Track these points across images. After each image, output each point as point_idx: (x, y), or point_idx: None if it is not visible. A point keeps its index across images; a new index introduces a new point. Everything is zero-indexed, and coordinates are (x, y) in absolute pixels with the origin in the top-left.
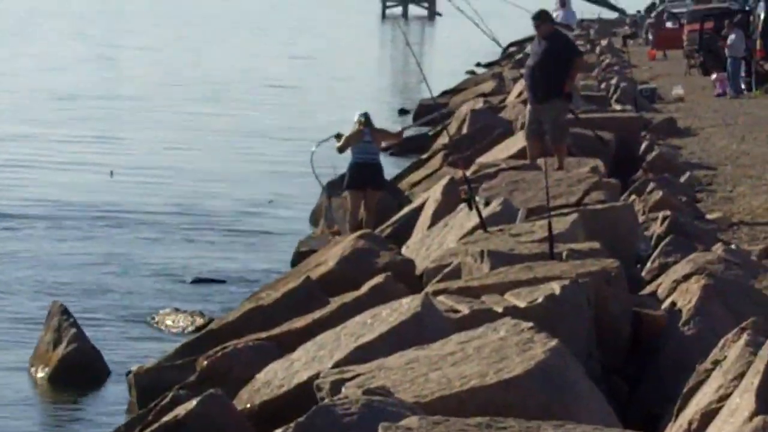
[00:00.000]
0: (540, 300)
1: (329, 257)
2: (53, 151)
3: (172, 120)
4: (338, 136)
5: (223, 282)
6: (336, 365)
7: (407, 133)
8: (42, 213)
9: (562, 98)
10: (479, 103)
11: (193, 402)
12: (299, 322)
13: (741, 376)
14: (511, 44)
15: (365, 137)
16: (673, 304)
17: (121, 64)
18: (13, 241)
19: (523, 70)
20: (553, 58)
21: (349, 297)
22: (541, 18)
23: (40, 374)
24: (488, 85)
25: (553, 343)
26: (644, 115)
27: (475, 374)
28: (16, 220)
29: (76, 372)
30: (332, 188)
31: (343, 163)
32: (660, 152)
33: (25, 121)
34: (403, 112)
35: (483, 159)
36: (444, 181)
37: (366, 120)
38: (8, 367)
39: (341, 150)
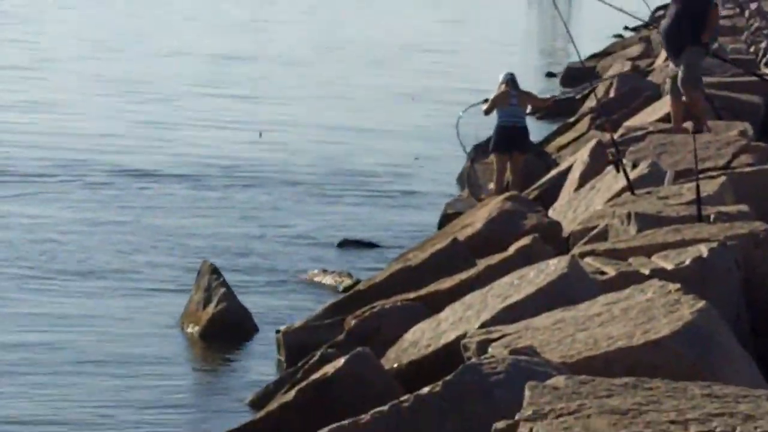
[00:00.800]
0: (687, 262)
1: (476, 219)
2: (203, 111)
3: (321, 82)
4: (486, 101)
5: (370, 244)
6: (483, 325)
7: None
8: (190, 172)
9: (698, 45)
10: (627, 67)
11: (342, 360)
12: (446, 283)
13: None
14: (659, 8)
15: (511, 100)
16: None
17: (270, 28)
18: (161, 200)
19: None
20: (687, 13)
21: (496, 258)
22: None
23: (190, 333)
24: (636, 49)
25: (701, 304)
26: None
27: (622, 335)
28: (164, 180)
29: (226, 331)
30: (478, 151)
31: (488, 127)
32: None
33: (183, 82)
34: (550, 75)
35: (630, 122)
36: (591, 144)
37: (512, 82)
38: (159, 326)
39: (487, 112)
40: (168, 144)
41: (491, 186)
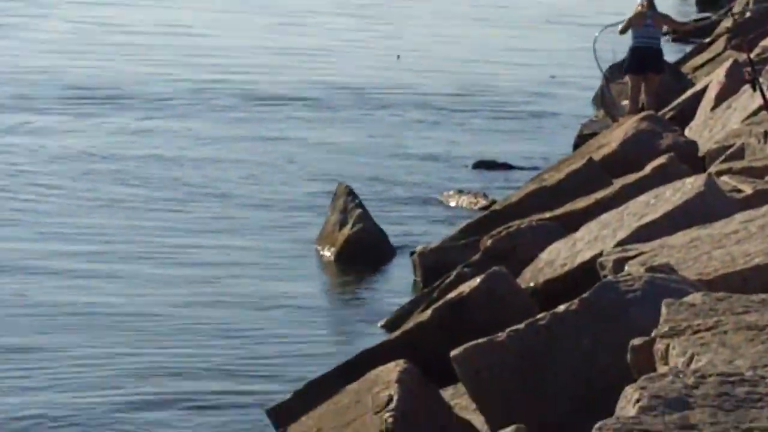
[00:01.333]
0: None
1: (612, 139)
2: (338, 38)
3: (456, 7)
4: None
5: (505, 165)
6: (619, 244)
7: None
8: (325, 96)
9: None
10: None
11: (477, 279)
12: (582, 203)
13: None
14: None
15: (647, 20)
16: None
17: None
18: (296, 123)
19: None
20: None
21: (632, 177)
22: None
23: (327, 254)
24: None
25: None
26: None
27: (759, 252)
28: (298, 103)
29: (362, 252)
30: (613, 72)
31: (626, 48)
32: None
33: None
34: None
35: (767, 42)
36: (727, 64)
37: (649, 2)
38: (296, 248)
39: (623, 31)
40: (303, 68)
41: (625, 103)
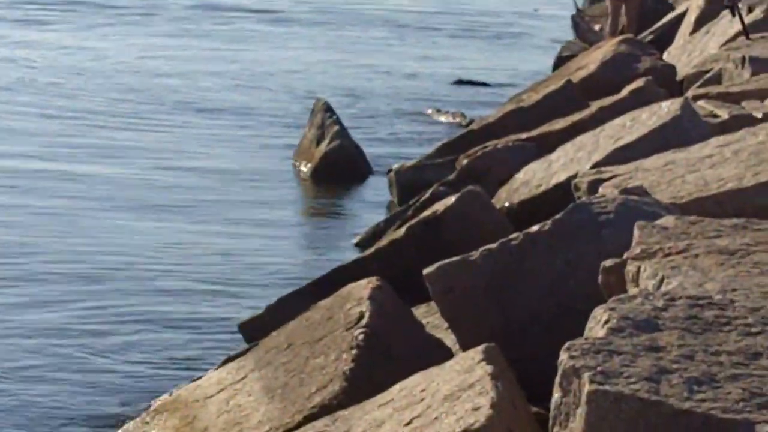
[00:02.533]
0: None
1: (590, 61)
2: None
3: None
4: None
5: (484, 84)
6: (594, 166)
7: None
8: (305, 12)
9: None
10: None
11: (452, 198)
12: (559, 124)
13: None
14: None
15: None
16: None
17: None
18: (277, 38)
19: None
20: None
21: (609, 100)
22: None
23: (303, 170)
24: None
25: None
26: None
27: (733, 177)
28: (279, 20)
29: (339, 168)
30: None
31: None
32: None
33: None
34: None
35: None
36: None
37: None
38: (272, 163)
39: None
40: None
41: (598, 27)
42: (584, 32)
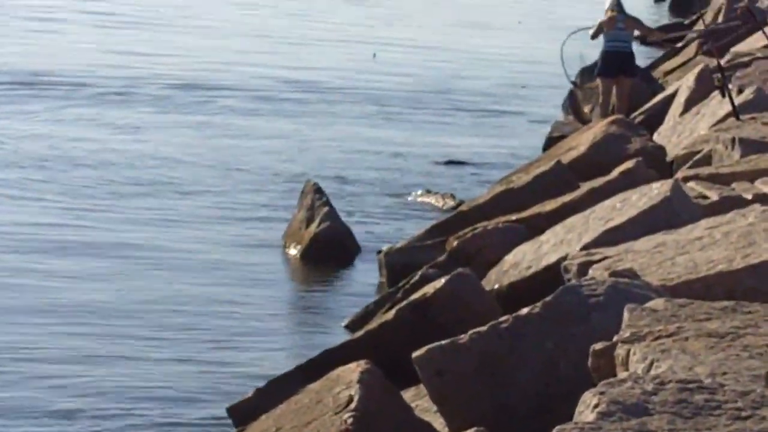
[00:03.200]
0: None
1: (581, 142)
2: (318, 28)
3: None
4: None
5: (474, 164)
6: (584, 248)
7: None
8: (295, 90)
9: None
10: None
11: (442, 280)
12: (549, 206)
13: None
14: None
15: (618, 24)
16: None
17: None
18: (266, 117)
19: None
20: None
21: (599, 181)
22: None
23: (293, 252)
24: None
25: None
26: None
27: (723, 259)
28: (269, 97)
29: (328, 250)
30: (583, 76)
31: (593, 51)
32: None
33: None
34: (658, 0)
35: (737, 48)
36: (698, 69)
37: (618, 6)
38: (262, 244)
39: (594, 36)
40: (274, 60)
41: (586, 109)
42: (579, 109)
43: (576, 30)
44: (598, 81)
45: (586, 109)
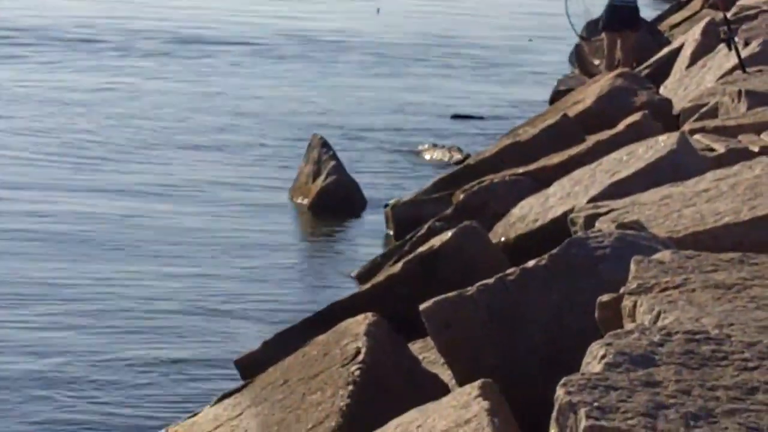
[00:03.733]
0: None
1: (587, 95)
2: None
3: None
4: None
5: (481, 118)
6: (591, 200)
7: None
8: (300, 44)
9: None
10: None
11: (449, 233)
12: (555, 158)
13: None
14: None
15: None
16: None
17: None
18: (272, 70)
19: None
20: None
21: (605, 134)
22: None
23: (300, 204)
24: None
25: None
26: None
27: (729, 211)
28: (273, 51)
29: (335, 203)
30: (589, 29)
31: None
32: None
33: None
34: None
35: (743, 1)
36: (704, 22)
37: None
38: (269, 197)
39: None
40: (277, 14)
41: (597, 62)
42: (586, 62)
43: None
44: (603, 35)
45: (596, 62)
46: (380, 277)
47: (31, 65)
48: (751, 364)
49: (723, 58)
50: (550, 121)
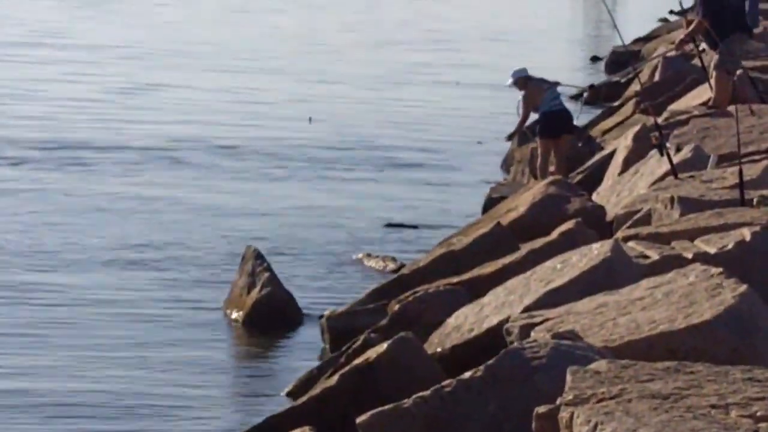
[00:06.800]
0: (730, 246)
1: (520, 203)
2: (252, 88)
3: (367, 62)
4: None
5: (414, 227)
6: (525, 310)
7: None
8: (230, 152)
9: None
10: (672, 51)
11: (384, 345)
12: (489, 268)
13: None
14: None
15: (543, 86)
16: None
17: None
18: (203, 179)
19: None
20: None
21: (539, 242)
22: None
23: (234, 317)
24: (681, 33)
25: (743, 288)
26: None
27: (664, 319)
28: (204, 157)
29: (270, 316)
30: (522, 138)
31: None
32: None
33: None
34: (595, 59)
35: (675, 106)
36: (635, 128)
37: (526, 77)
38: (204, 309)
39: (525, 118)
40: (208, 124)
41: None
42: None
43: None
44: (539, 141)
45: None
46: (316, 390)
47: None
48: None
49: (655, 164)
50: (484, 229)
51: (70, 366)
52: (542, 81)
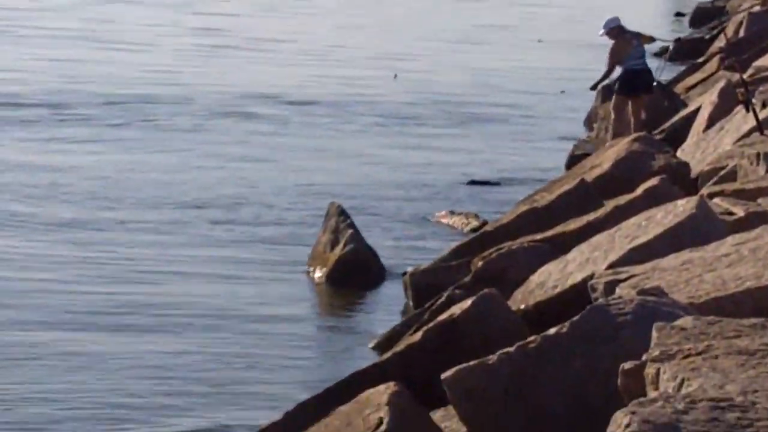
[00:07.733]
0: None
1: (604, 160)
2: (340, 47)
3: (457, 28)
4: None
5: (497, 184)
6: (610, 266)
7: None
8: (314, 110)
9: None
10: (757, 6)
11: (468, 301)
12: (574, 224)
13: None
14: None
15: (633, 42)
16: None
17: None
18: (289, 138)
19: None
20: None
21: (623, 199)
22: None
23: (318, 274)
24: None
25: None
26: None
27: (750, 275)
28: (289, 116)
29: (353, 273)
30: (605, 93)
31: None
32: None
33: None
34: (679, 15)
35: (760, 62)
36: (720, 84)
37: (619, 27)
38: (287, 267)
39: (609, 72)
40: (299, 76)
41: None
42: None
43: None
44: (618, 99)
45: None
46: (400, 346)
47: None
48: None
49: (740, 120)
50: (567, 186)
51: (158, 325)
52: (636, 35)
